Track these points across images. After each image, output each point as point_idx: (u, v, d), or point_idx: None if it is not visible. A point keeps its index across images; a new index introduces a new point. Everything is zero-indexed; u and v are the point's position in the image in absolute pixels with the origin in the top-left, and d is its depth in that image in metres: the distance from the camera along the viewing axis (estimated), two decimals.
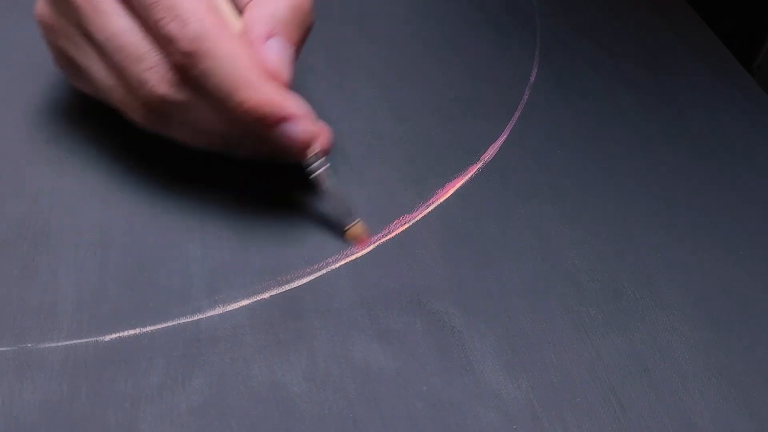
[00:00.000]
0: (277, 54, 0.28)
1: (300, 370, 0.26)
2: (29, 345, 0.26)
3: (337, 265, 0.29)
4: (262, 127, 0.28)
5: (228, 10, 0.29)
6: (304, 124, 0.28)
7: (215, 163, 0.32)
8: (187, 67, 0.27)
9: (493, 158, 0.34)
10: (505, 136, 0.36)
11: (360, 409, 0.25)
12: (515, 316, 0.29)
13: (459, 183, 0.33)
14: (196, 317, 0.27)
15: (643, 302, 0.30)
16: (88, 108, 0.33)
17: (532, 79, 0.39)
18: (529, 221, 0.32)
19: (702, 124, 0.38)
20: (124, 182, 0.31)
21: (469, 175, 0.34)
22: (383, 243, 0.30)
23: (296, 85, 0.36)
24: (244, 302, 0.28)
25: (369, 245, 0.30)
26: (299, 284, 0.29)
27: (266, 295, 0.28)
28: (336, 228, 0.30)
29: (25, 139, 0.32)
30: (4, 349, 0.26)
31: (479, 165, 0.34)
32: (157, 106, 0.28)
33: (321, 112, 0.35)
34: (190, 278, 0.28)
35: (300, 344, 0.27)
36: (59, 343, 0.26)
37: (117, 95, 0.29)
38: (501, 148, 0.35)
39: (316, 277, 0.29)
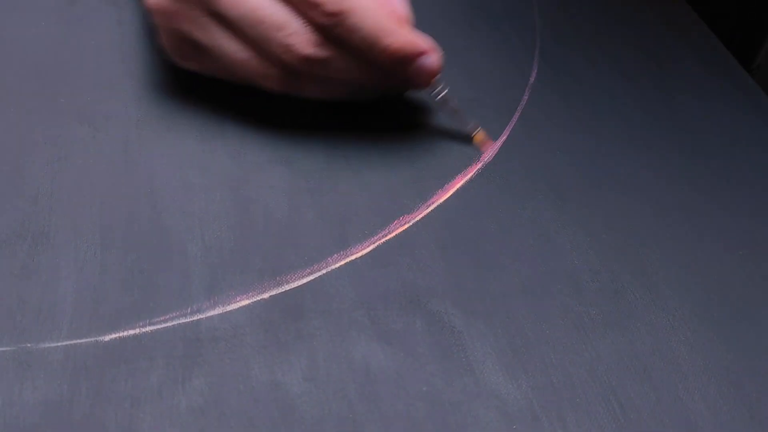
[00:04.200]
0: (400, 3, 0.33)
1: (300, 371, 0.26)
2: (29, 345, 0.26)
3: (337, 265, 0.29)
4: (403, 65, 0.32)
5: None
6: (435, 55, 0.32)
7: (215, 162, 0.32)
8: (332, 25, 0.31)
9: (492, 159, 0.34)
10: (504, 137, 0.36)
11: (360, 409, 0.25)
12: (515, 316, 0.29)
13: (459, 183, 0.33)
14: (195, 317, 0.27)
15: (643, 302, 0.30)
16: (88, 108, 0.33)
17: (532, 79, 0.39)
18: (529, 221, 0.32)
19: (702, 124, 0.38)
20: (124, 182, 0.31)
21: (469, 176, 0.34)
22: (383, 243, 0.30)
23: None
24: (244, 302, 0.28)
25: (494, 146, 0.35)
26: (299, 284, 0.29)
27: (266, 295, 0.28)
28: (459, 138, 0.35)
29: (25, 138, 0.32)
30: (3, 349, 0.26)
31: (479, 165, 0.34)
32: (300, 67, 0.32)
33: (321, 112, 0.35)
34: (189, 278, 0.28)
35: (300, 344, 0.27)
36: (59, 343, 0.26)
37: (251, 67, 0.32)
38: (501, 148, 0.35)
39: (316, 278, 0.29)
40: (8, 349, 0.26)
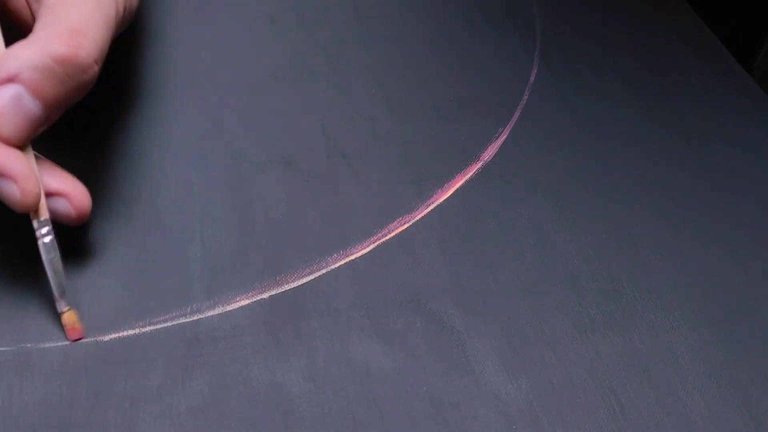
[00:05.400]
0: (4, 103, 0.24)
1: (299, 371, 0.26)
2: (29, 345, 0.26)
3: (337, 265, 0.29)
4: None
5: None
6: (22, 184, 0.25)
7: (215, 162, 0.32)
8: None
9: (492, 158, 0.34)
10: (504, 136, 0.36)
11: (359, 409, 0.25)
12: (515, 316, 0.29)
13: (459, 183, 0.33)
14: (195, 317, 0.27)
15: (642, 302, 0.30)
16: (88, 108, 0.33)
17: (532, 79, 0.39)
18: (529, 221, 0.32)
19: (702, 123, 0.38)
20: (124, 182, 0.31)
21: (469, 175, 0.34)
22: (383, 243, 0.30)
23: (296, 85, 0.37)
24: (244, 302, 0.28)
25: (81, 338, 0.26)
26: (299, 284, 0.29)
27: (266, 295, 0.28)
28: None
29: None
30: (3, 349, 0.26)
31: (479, 165, 0.34)
32: None
33: (321, 112, 0.35)
34: (189, 278, 0.28)
35: (300, 344, 0.27)
36: (59, 344, 0.26)
37: None
38: (501, 148, 0.35)
39: (316, 277, 0.29)
40: (8, 349, 0.26)
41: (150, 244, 0.29)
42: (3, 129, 0.25)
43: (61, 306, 0.26)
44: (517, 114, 0.37)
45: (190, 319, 0.27)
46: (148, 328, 0.27)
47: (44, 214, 0.26)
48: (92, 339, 0.26)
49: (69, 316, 0.26)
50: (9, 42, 0.26)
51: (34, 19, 0.27)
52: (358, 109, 0.35)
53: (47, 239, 0.26)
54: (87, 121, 0.33)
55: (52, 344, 0.26)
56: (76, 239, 0.29)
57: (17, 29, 0.28)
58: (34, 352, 0.26)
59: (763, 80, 0.42)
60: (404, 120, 0.36)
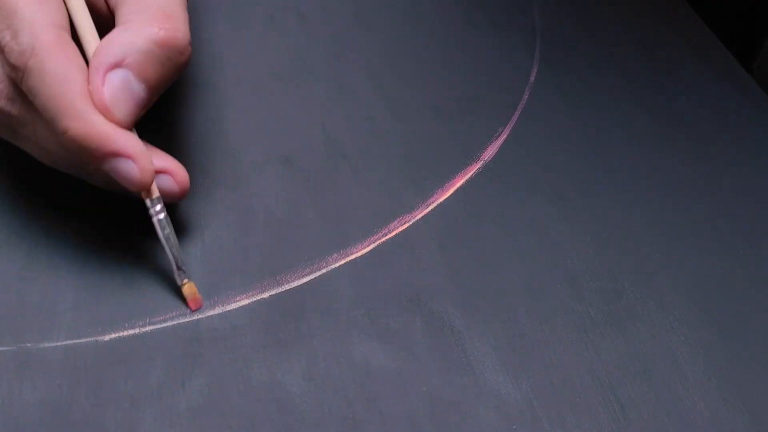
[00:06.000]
0: (114, 87, 0.25)
1: (300, 370, 0.26)
2: (29, 345, 0.26)
3: (337, 265, 0.29)
4: (91, 159, 0.26)
5: (88, 28, 0.27)
6: (140, 162, 0.26)
7: (215, 162, 0.32)
8: (17, 80, 0.25)
9: (493, 158, 0.34)
10: (505, 136, 0.36)
11: (359, 409, 0.25)
12: (515, 316, 0.29)
13: (459, 183, 0.33)
14: (195, 317, 0.27)
15: (643, 302, 0.30)
16: None
17: (532, 78, 0.39)
18: (529, 221, 0.32)
19: (702, 123, 0.38)
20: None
21: (469, 175, 0.34)
22: (383, 243, 0.30)
23: (296, 85, 0.37)
24: (244, 302, 0.28)
25: (201, 307, 0.28)
26: (299, 284, 0.29)
27: (266, 295, 0.28)
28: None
29: None
30: (3, 348, 0.26)
31: (479, 165, 0.34)
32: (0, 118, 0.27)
33: (321, 111, 0.35)
34: (189, 278, 0.28)
35: (300, 344, 0.27)
36: (59, 343, 0.26)
37: None
38: (501, 147, 0.35)
39: (316, 277, 0.29)
40: (8, 348, 0.26)
41: (149, 244, 0.29)
42: (116, 112, 0.26)
43: (181, 278, 0.28)
44: (517, 113, 0.37)
45: (190, 319, 0.27)
46: (147, 328, 0.27)
47: (156, 193, 0.27)
48: (92, 339, 0.26)
49: (189, 288, 0.28)
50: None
51: (108, 6, 0.28)
52: (358, 109, 0.35)
53: (161, 216, 0.27)
54: None
55: (52, 344, 0.26)
56: (75, 239, 0.29)
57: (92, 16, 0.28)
58: (33, 352, 0.26)
59: (763, 80, 0.42)
60: (404, 119, 0.36)
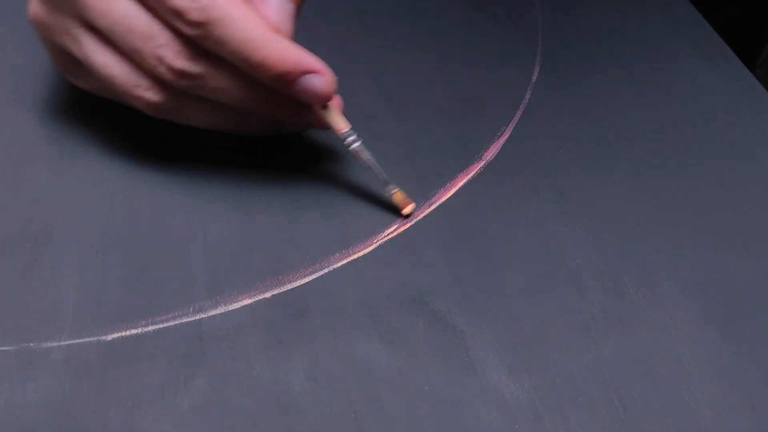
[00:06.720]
0: (277, 10, 0.29)
1: (302, 370, 0.26)
2: (31, 344, 0.26)
3: (339, 265, 0.29)
4: (284, 84, 0.28)
5: None
6: (327, 74, 0.29)
7: (217, 162, 0.32)
8: (200, 37, 0.27)
9: (495, 157, 0.34)
10: (507, 136, 0.36)
11: (362, 408, 0.25)
12: (517, 315, 0.29)
13: (461, 182, 0.33)
14: (198, 317, 0.27)
15: (645, 302, 0.30)
16: (88, 107, 0.33)
17: (534, 78, 0.39)
18: (531, 220, 0.32)
19: (704, 122, 0.38)
20: (126, 182, 0.31)
21: (471, 175, 0.34)
22: (385, 242, 0.30)
23: None
24: (246, 302, 0.28)
25: (414, 209, 0.31)
26: (301, 284, 0.29)
27: (268, 295, 0.28)
28: (374, 198, 0.32)
29: (26, 139, 0.32)
30: (6, 348, 0.26)
31: (481, 164, 0.34)
32: (175, 83, 0.28)
33: None
34: (192, 278, 0.28)
35: (302, 344, 0.27)
36: (61, 343, 0.26)
37: (125, 82, 0.29)
38: (503, 147, 0.35)
39: (318, 277, 0.29)
40: (11, 348, 0.26)
41: (152, 244, 0.29)
42: (284, 30, 0.29)
43: (390, 190, 0.31)
44: (519, 113, 0.37)
45: (193, 319, 0.27)
46: (150, 327, 0.27)
47: (347, 126, 0.30)
48: (94, 338, 0.26)
49: (398, 195, 0.31)
50: None
51: None
52: (358, 109, 0.35)
53: (357, 144, 0.30)
54: (87, 120, 0.33)
55: (55, 344, 0.26)
56: (78, 238, 0.29)
57: None
58: (36, 352, 0.26)
59: (766, 79, 0.42)
60: (406, 119, 0.36)
